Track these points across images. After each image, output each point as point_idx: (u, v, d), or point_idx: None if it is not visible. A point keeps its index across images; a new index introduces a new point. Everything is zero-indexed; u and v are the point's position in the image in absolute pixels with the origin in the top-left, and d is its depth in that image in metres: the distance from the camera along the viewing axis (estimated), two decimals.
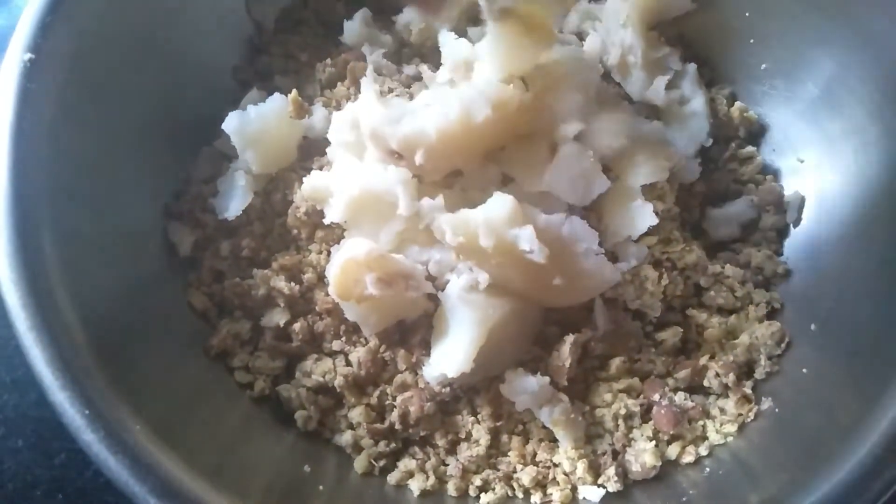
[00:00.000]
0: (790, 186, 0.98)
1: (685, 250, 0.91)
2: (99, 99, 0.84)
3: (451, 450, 0.86)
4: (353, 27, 1.01)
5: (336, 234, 0.89)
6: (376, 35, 1.02)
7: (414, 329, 0.86)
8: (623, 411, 0.84)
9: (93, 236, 0.80)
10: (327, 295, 0.86)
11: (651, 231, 0.88)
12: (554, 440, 0.84)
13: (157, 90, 0.91)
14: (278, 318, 0.87)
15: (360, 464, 0.84)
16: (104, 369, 0.70)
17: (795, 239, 0.96)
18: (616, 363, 0.86)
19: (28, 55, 0.76)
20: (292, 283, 0.87)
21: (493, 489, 0.83)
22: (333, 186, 0.86)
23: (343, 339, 0.87)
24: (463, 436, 0.85)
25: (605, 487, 0.82)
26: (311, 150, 0.94)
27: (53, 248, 0.73)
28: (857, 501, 0.67)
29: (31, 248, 0.71)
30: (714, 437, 0.84)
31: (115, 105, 0.86)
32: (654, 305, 0.87)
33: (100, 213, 0.82)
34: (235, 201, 0.89)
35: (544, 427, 0.84)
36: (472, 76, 0.86)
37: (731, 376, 0.86)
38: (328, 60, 0.99)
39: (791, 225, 0.97)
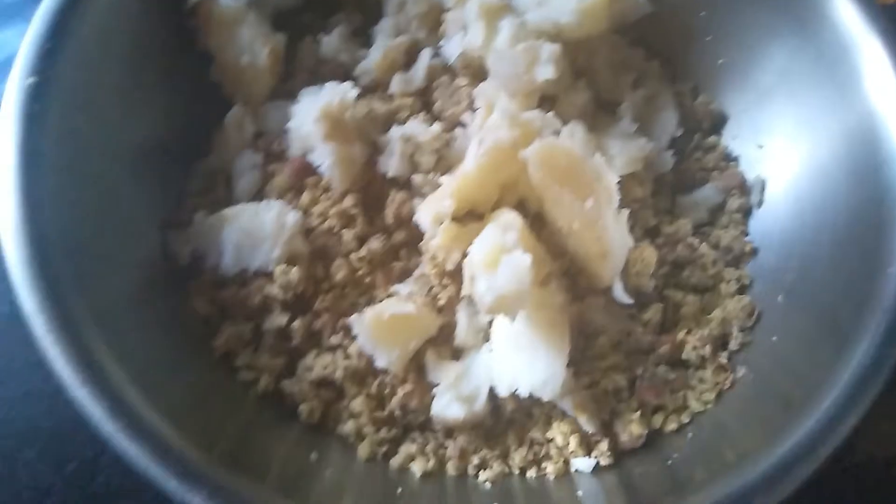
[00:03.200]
0: (752, 171, 1.05)
1: (666, 223, 1.00)
2: (99, 119, 0.88)
3: (449, 433, 0.90)
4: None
5: None
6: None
7: None
8: (611, 387, 0.89)
9: (98, 248, 0.83)
10: (326, 293, 0.91)
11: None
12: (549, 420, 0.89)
13: (154, 109, 0.96)
14: (278, 320, 0.91)
15: (363, 451, 0.89)
16: (119, 366, 0.74)
17: (759, 219, 1.02)
18: (602, 341, 0.91)
19: (31, 79, 0.81)
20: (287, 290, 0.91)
21: (491, 466, 0.88)
22: None
23: (341, 333, 0.91)
24: None
25: (597, 460, 0.87)
26: None
27: (64, 259, 0.77)
28: (822, 448, 0.73)
29: (44, 259, 0.75)
30: (695, 406, 0.90)
31: (115, 125, 0.90)
32: (647, 284, 0.93)
33: (103, 225, 0.85)
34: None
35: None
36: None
37: (708, 348, 0.92)
38: None
39: (755, 206, 1.03)
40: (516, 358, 0.84)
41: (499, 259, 0.80)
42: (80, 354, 0.70)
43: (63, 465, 1.00)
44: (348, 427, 0.90)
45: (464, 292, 0.84)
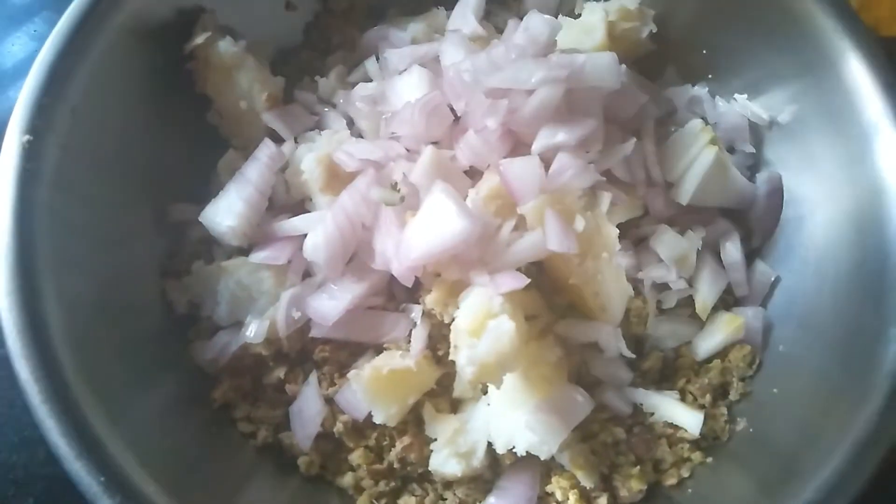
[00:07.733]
0: None
1: None
2: (92, 171, 0.87)
3: (448, 485, 0.90)
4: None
5: None
6: None
7: None
8: (610, 440, 0.89)
9: (94, 301, 0.83)
10: (325, 344, 0.90)
11: None
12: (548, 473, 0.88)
13: (153, 153, 0.95)
14: (276, 373, 0.91)
15: (362, 503, 0.88)
16: (114, 431, 0.73)
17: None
18: (600, 391, 0.91)
19: (26, 137, 0.80)
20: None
21: None
22: None
23: (338, 385, 0.91)
24: None
25: None
26: None
27: (59, 317, 0.77)
28: None
29: (38, 319, 0.75)
30: (695, 458, 0.90)
31: (107, 174, 0.90)
32: (646, 332, 0.93)
33: (100, 277, 0.85)
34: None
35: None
36: None
37: (708, 398, 0.91)
38: None
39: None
40: (512, 415, 0.84)
41: (484, 325, 0.77)
42: (74, 426, 0.70)
43: None
44: (347, 479, 0.89)
45: (451, 357, 0.83)
